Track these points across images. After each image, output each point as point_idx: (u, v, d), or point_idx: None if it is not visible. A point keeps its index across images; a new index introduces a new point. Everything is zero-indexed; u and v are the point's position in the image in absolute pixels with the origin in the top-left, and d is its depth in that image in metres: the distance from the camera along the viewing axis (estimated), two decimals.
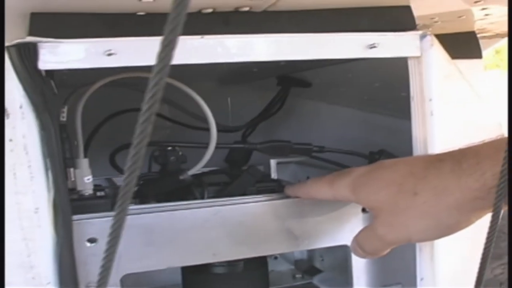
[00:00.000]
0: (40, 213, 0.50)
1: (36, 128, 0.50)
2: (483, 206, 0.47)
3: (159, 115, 0.85)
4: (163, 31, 0.29)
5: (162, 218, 0.57)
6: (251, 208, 0.60)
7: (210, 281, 0.68)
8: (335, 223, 0.63)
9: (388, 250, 0.55)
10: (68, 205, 0.51)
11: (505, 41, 1.14)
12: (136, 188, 0.62)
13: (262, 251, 0.63)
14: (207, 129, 0.73)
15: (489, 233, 0.51)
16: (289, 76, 0.89)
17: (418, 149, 0.61)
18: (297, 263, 0.91)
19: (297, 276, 0.88)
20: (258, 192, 0.65)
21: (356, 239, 0.57)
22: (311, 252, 0.90)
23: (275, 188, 0.67)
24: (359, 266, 0.66)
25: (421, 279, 0.63)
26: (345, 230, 0.63)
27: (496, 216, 0.47)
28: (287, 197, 0.62)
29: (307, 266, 0.89)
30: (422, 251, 0.62)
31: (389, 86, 0.77)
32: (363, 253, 0.56)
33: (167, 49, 0.29)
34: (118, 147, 0.73)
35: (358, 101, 0.87)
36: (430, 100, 0.60)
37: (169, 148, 0.68)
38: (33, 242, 0.50)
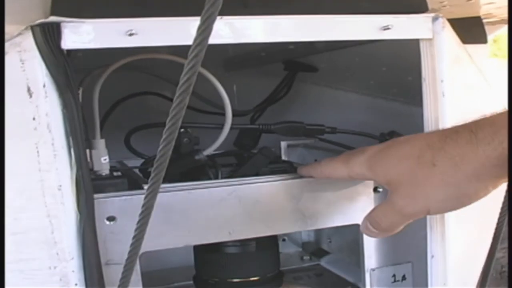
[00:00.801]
0: (63, 190, 0.51)
1: (59, 107, 0.51)
2: (501, 174, 0.48)
3: (165, 97, 0.86)
4: (204, 4, 0.30)
5: (180, 197, 0.59)
6: (266, 188, 0.62)
7: (223, 261, 0.69)
8: (347, 202, 0.64)
9: (403, 226, 0.56)
10: (90, 182, 0.52)
11: (503, 30, 1.14)
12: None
13: (276, 230, 0.64)
14: (214, 113, 0.74)
15: (502, 210, 0.52)
16: (296, 61, 0.90)
17: (429, 130, 0.62)
18: (304, 245, 0.93)
19: (305, 258, 0.89)
20: (272, 172, 0.66)
21: (370, 216, 0.58)
22: (318, 234, 0.92)
23: (287, 169, 0.68)
24: (370, 245, 0.67)
25: (432, 256, 0.64)
26: (357, 209, 0.64)
27: (510, 192, 0.49)
28: (301, 177, 0.63)
29: (315, 248, 0.91)
30: (433, 229, 0.63)
31: (396, 71, 0.78)
32: (376, 231, 0.57)
33: (207, 21, 0.30)
34: (132, 128, 0.74)
35: (365, 86, 0.88)
36: (442, 81, 0.61)
37: (182, 129, 0.69)
38: (56, 218, 0.51)
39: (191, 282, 0.73)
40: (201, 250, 0.70)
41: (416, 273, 0.68)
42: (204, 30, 0.30)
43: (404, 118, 0.78)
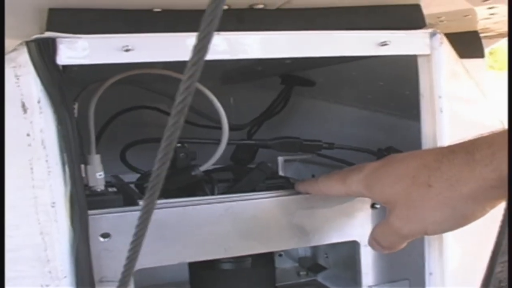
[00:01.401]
0: (57, 207, 0.50)
1: (53, 123, 0.50)
2: (499, 195, 0.47)
3: (161, 111, 0.85)
4: (200, 23, 0.29)
5: (175, 214, 0.58)
6: (262, 204, 0.61)
7: (219, 277, 0.69)
8: (344, 218, 0.64)
9: (404, 244, 0.55)
10: (84, 199, 0.51)
11: (500, 43, 1.15)
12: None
13: (273, 247, 0.63)
14: (212, 127, 0.73)
15: (501, 226, 0.52)
16: (293, 75, 0.90)
17: (427, 146, 0.62)
18: (301, 260, 0.92)
19: (302, 273, 0.88)
20: (268, 188, 0.66)
21: (371, 234, 0.57)
22: (315, 249, 0.91)
23: (284, 185, 0.68)
24: (367, 262, 0.66)
25: (430, 274, 0.63)
26: (354, 225, 0.64)
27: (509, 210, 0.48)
28: (298, 193, 0.63)
29: (311, 263, 0.90)
30: (431, 246, 0.63)
31: (393, 85, 0.78)
32: (380, 248, 0.57)
33: (203, 41, 0.29)
34: (128, 143, 0.73)
35: (362, 100, 0.88)
36: (440, 97, 0.61)
37: (179, 144, 0.69)
38: (49, 236, 0.50)
39: None
40: (196, 266, 0.70)
41: None
42: (200, 49, 0.30)
43: (402, 132, 0.78)
